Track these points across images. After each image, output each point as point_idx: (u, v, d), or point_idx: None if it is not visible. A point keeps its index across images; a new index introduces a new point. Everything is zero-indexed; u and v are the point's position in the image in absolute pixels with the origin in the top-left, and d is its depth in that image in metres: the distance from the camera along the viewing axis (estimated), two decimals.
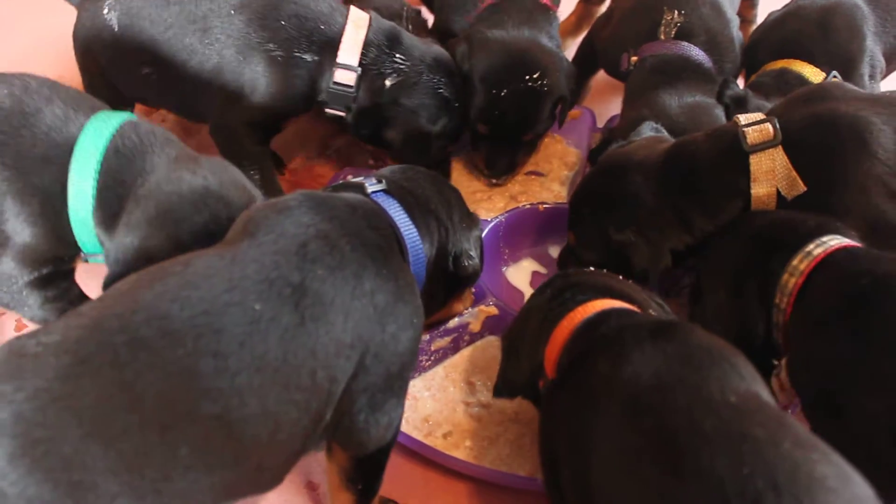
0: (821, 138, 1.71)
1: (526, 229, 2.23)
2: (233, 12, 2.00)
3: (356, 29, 2.10)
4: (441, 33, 2.52)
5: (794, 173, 1.70)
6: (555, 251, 2.22)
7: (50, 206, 1.57)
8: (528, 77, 2.24)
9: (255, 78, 2.01)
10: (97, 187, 1.57)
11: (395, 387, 1.44)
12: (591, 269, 1.70)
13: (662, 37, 2.26)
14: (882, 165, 1.66)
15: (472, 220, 1.77)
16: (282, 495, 1.71)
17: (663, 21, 2.26)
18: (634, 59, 2.27)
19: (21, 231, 1.57)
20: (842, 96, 1.78)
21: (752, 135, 1.73)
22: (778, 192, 1.73)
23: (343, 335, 1.31)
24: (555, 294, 1.56)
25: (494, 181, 2.35)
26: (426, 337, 1.92)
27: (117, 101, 2.14)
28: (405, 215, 1.56)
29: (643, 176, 1.84)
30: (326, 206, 1.44)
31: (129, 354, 1.15)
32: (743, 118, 1.78)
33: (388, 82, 2.13)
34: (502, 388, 1.67)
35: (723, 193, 1.78)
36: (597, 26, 2.59)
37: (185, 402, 1.16)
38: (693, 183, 1.81)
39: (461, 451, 1.76)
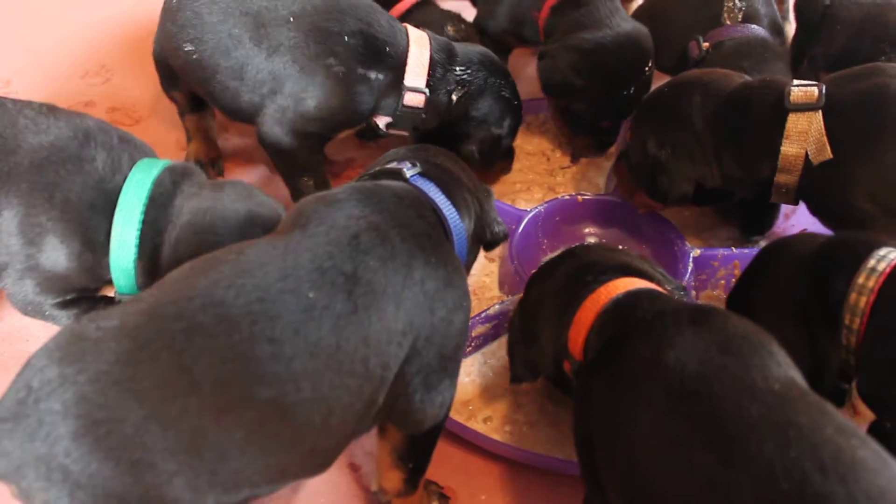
0: (863, 109, 1.72)
1: (565, 220, 2.21)
2: (291, 20, 1.97)
3: (420, 49, 2.07)
4: (483, 25, 2.51)
5: (824, 138, 1.71)
6: (592, 241, 2.20)
7: (90, 248, 1.61)
8: (648, 66, 2.26)
9: (314, 90, 1.98)
10: (140, 237, 1.60)
11: (449, 367, 1.45)
12: (598, 244, 1.68)
13: (728, 22, 2.29)
14: None
15: (488, 189, 1.78)
16: (325, 475, 1.70)
17: (726, 7, 2.30)
18: (706, 45, 2.27)
19: (56, 263, 1.60)
20: (890, 72, 1.77)
21: (796, 94, 1.77)
22: (805, 160, 1.75)
23: (395, 323, 1.32)
24: (571, 275, 1.55)
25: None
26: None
27: (176, 81, 2.22)
28: (444, 197, 1.57)
29: (701, 103, 1.90)
30: (375, 198, 1.44)
31: (187, 340, 1.17)
32: (797, 81, 1.80)
33: (454, 97, 2.12)
34: (522, 373, 1.68)
35: (756, 144, 1.82)
36: (643, 21, 2.58)
37: (240, 386, 1.17)
38: (736, 125, 1.85)
39: (501, 435, 1.77)
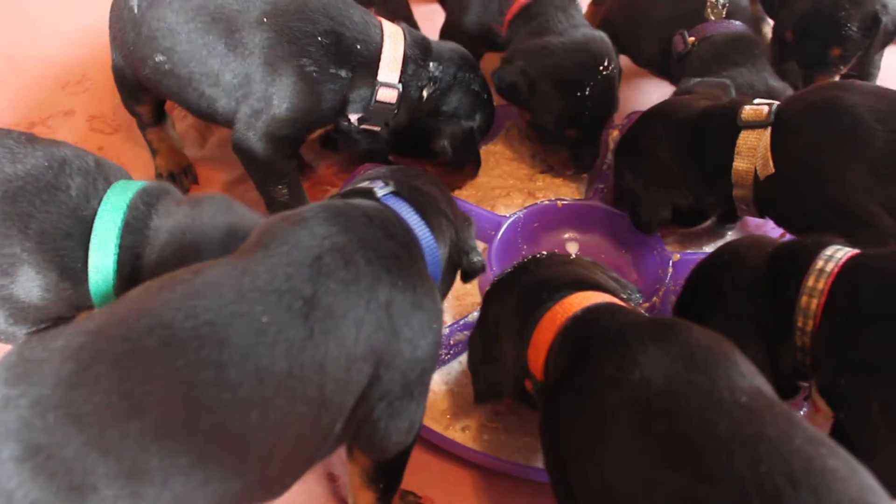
0: (808, 123, 1.78)
1: (544, 225, 2.20)
2: (265, 20, 1.93)
3: (394, 45, 2.04)
4: (452, 31, 2.50)
5: (768, 153, 1.78)
6: (573, 247, 2.19)
7: (67, 278, 1.56)
8: (601, 67, 2.21)
9: (286, 91, 1.95)
10: (118, 262, 1.56)
11: (415, 392, 1.40)
12: (550, 255, 1.69)
13: (713, 17, 2.33)
14: (862, 161, 1.71)
15: (468, 217, 1.73)
16: (303, 485, 1.68)
17: (709, 3, 2.33)
18: (692, 39, 2.30)
19: (30, 294, 1.56)
20: (848, 87, 1.83)
21: (747, 112, 1.85)
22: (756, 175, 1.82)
23: (355, 348, 1.27)
24: (525, 292, 1.54)
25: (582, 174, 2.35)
26: (446, 331, 1.92)
27: (140, 95, 2.18)
28: (418, 217, 1.52)
29: (664, 132, 1.98)
30: (342, 218, 1.39)
31: (130, 363, 1.13)
32: (758, 100, 1.87)
33: (425, 93, 2.10)
34: (485, 393, 1.66)
35: (715, 162, 1.89)
36: (617, 18, 2.58)
37: (184, 411, 1.13)
38: (698, 148, 1.92)
39: (479, 444, 1.75)
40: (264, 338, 1.19)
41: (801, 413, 1.72)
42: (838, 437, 1.46)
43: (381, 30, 2.06)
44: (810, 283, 1.48)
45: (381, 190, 1.56)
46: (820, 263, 1.49)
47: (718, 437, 1.10)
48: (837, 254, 1.49)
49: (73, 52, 2.55)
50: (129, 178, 1.68)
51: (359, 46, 2.00)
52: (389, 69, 2.04)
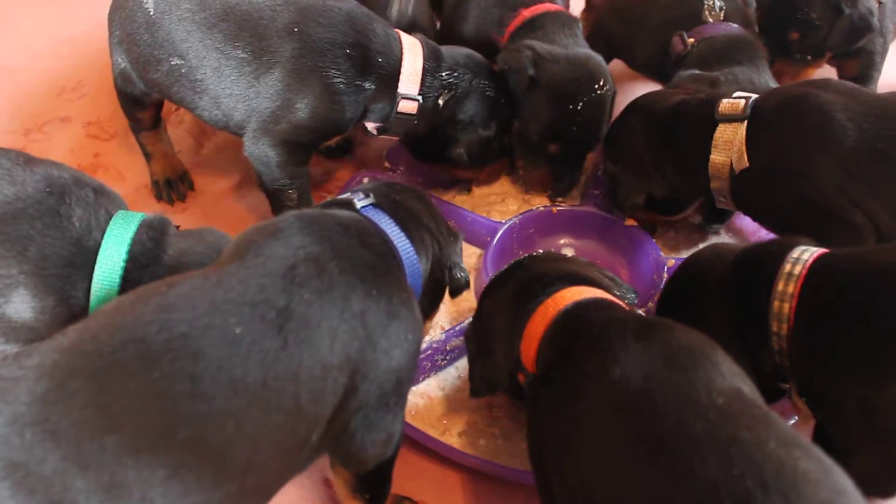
0: (781, 117, 1.82)
1: (540, 231, 2.21)
2: (295, 30, 1.94)
3: (413, 57, 2.07)
4: (448, 41, 2.46)
5: (743, 147, 1.81)
6: (569, 252, 2.19)
7: (65, 304, 1.56)
8: (597, 86, 2.20)
9: (310, 100, 1.97)
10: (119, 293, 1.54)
11: (391, 403, 1.39)
12: (546, 253, 1.71)
13: (711, 20, 2.36)
14: (832, 158, 1.74)
15: (455, 233, 1.73)
16: (300, 492, 1.71)
17: (706, 6, 2.37)
18: (691, 40, 2.32)
19: (22, 315, 1.54)
20: (823, 85, 1.86)
21: (725, 105, 1.87)
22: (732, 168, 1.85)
23: (330, 357, 1.26)
24: (520, 287, 1.55)
25: (559, 200, 2.31)
26: (442, 336, 1.93)
27: (144, 100, 2.19)
28: (398, 229, 1.52)
29: (638, 123, 2.05)
30: (317, 227, 1.39)
31: (105, 378, 1.13)
32: (737, 94, 1.90)
33: (441, 102, 2.11)
34: (480, 387, 1.67)
35: (692, 153, 1.92)
36: (609, 24, 2.61)
37: (160, 424, 1.12)
38: (673, 139, 1.96)
39: (476, 449, 1.74)
40: (238, 349, 1.19)
41: (793, 421, 1.71)
42: (820, 438, 1.51)
43: (401, 42, 2.08)
44: (780, 287, 1.49)
45: (360, 201, 1.55)
46: (788, 267, 1.50)
47: (694, 439, 1.10)
48: (804, 255, 1.51)
49: (69, 59, 2.55)
50: (125, 206, 1.68)
51: (381, 59, 2.03)
52: (410, 81, 2.07)
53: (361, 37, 2.00)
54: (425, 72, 2.09)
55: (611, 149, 2.16)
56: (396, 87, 2.06)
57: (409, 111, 2.09)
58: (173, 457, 1.13)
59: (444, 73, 2.12)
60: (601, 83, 2.19)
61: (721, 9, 2.37)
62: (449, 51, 2.18)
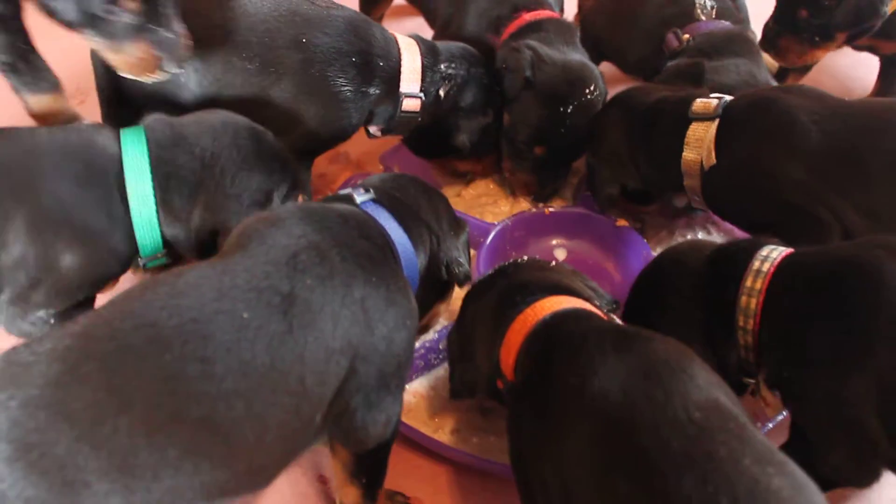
0: (747, 119, 1.88)
1: (532, 232, 2.25)
2: (303, 40, 1.97)
3: (411, 56, 2.13)
4: None
5: (712, 145, 1.88)
6: (561, 253, 2.25)
7: (107, 226, 1.64)
8: (587, 90, 2.23)
9: (317, 109, 2.01)
10: (155, 185, 1.65)
11: (392, 385, 1.45)
12: (529, 260, 1.74)
13: (703, 18, 2.40)
14: (796, 159, 1.78)
15: (459, 227, 1.77)
16: (295, 488, 1.75)
17: (698, 5, 2.41)
18: (686, 36, 2.36)
19: (68, 258, 1.62)
20: (792, 90, 1.92)
21: (698, 105, 1.95)
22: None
23: (332, 341, 1.32)
24: (501, 295, 1.58)
25: (541, 205, 2.33)
26: (434, 336, 1.96)
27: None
28: (396, 223, 1.57)
29: (617, 117, 2.11)
30: (318, 218, 1.45)
31: (117, 361, 1.18)
32: (713, 94, 1.96)
33: (441, 93, 2.17)
34: (460, 389, 1.70)
35: (666, 150, 1.99)
36: (599, 26, 2.64)
37: (171, 405, 1.18)
38: (649, 134, 2.03)
39: (469, 446, 1.78)
40: (246, 333, 1.25)
41: (769, 427, 1.75)
42: (796, 435, 1.55)
43: (398, 43, 2.14)
44: (748, 283, 1.54)
45: (360, 196, 1.61)
46: (756, 264, 1.55)
47: (670, 455, 1.12)
48: (772, 254, 1.56)
49: (69, 66, 2.58)
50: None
51: (382, 63, 2.09)
52: (411, 80, 2.13)
53: (364, 44, 2.06)
54: (424, 68, 2.15)
55: (592, 141, 2.22)
56: (398, 87, 2.11)
57: (412, 109, 2.15)
58: (185, 437, 1.18)
59: (442, 66, 2.18)
60: (592, 88, 2.23)
61: (713, 7, 2.43)
62: (444, 45, 2.26)
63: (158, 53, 1.78)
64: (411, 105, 2.15)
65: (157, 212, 1.66)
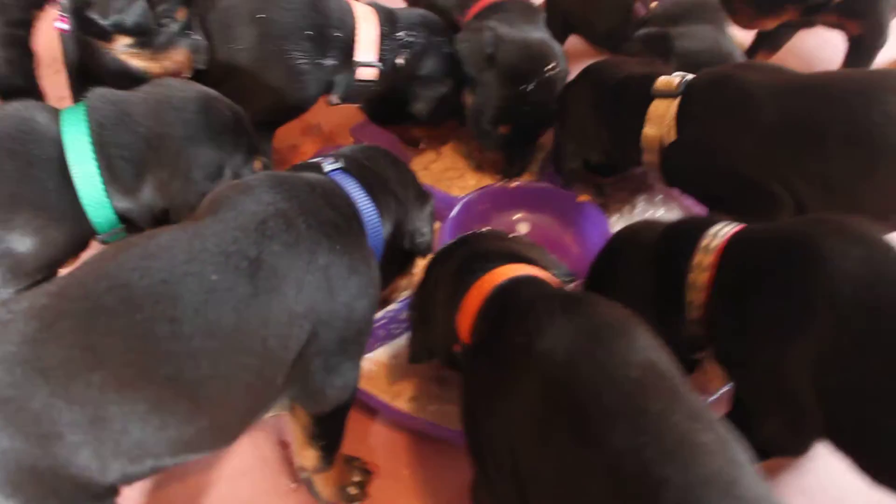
0: (706, 96, 1.92)
1: (496, 206, 2.29)
2: (257, 16, 2.00)
3: (368, 25, 2.14)
4: None
5: (672, 122, 1.92)
6: (524, 227, 2.29)
7: (54, 208, 1.63)
8: (548, 67, 2.25)
9: (276, 83, 2.04)
10: (100, 164, 1.63)
11: (350, 350, 1.51)
12: (490, 231, 1.80)
13: None
14: (751, 134, 1.82)
15: (425, 198, 1.81)
16: (257, 451, 1.81)
17: None
18: (654, 4, 2.38)
19: (22, 242, 1.62)
20: (750, 66, 2.00)
21: (660, 82, 1.98)
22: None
23: (296, 305, 1.37)
24: (461, 262, 1.62)
25: (513, 181, 2.36)
26: (396, 306, 2.00)
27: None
28: (363, 193, 1.61)
29: (584, 90, 2.14)
30: (286, 186, 1.49)
31: (91, 319, 1.23)
32: (676, 73, 1.99)
33: (399, 61, 2.19)
34: (418, 354, 1.76)
35: (627, 124, 2.02)
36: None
37: (141, 362, 1.23)
38: (614, 109, 2.06)
39: (426, 414, 1.84)
40: (214, 295, 1.30)
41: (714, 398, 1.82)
42: (735, 402, 1.62)
43: (353, 13, 2.15)
44: (697, 259, 1.57)
45: (328, 165, 1.66)
46: (706, 241, 1.58)
47: (607, 409, 1.19)
48: (721, 231, 1.59)
49: (45, 37, 2.58)
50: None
51: (337, 34, 2.10)
52: (367, 49, 2.14)
53: (319, 16, 2.08)
54: (382, 36, 2.17)
55: (558, 113, 2.25)
56: (353, 56, 2.14)
57: (368, 77, 2.18)
58: (153, 392, 1.24)
59: (400, 34, 2.20)
60: (553, 65, 2.26)
61: None
62: (404, 12, 2.28)
63: (195, 56, 1.87)
64: (368, 74, 2.16)
65: (105, 190, 1.65)
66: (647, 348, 1.31)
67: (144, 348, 1.24)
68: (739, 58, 2.28)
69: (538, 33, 2.34)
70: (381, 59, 2.17)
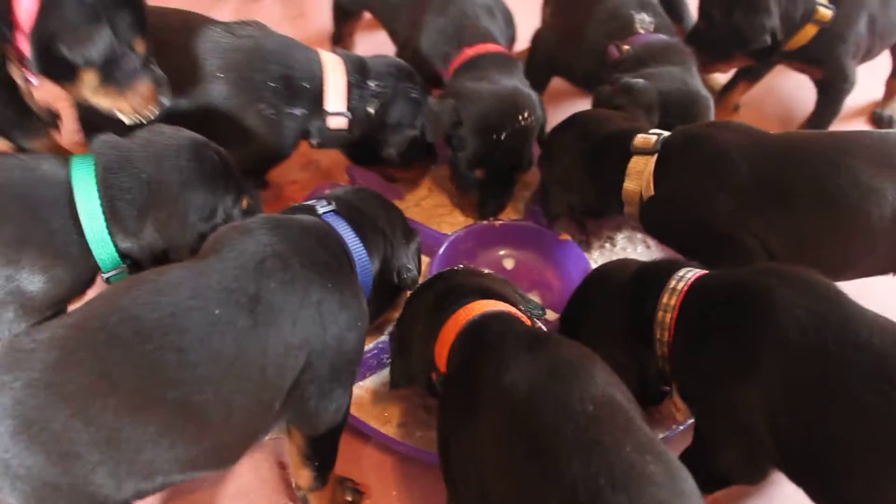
0: (682, 154, 2.02)
1: (482, 243, 2.42)
2: (220, 75, 2.11)
3: (335, 76, 2.24)
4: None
5: (650, 178, 2.03)
6: (509, 263, 2.41)
7: (63, 246, 1.73)
8: (520, 117, 2.35)
9: (251, 134, 2.14)
10: (104, 205, 1.73)
11: (342, 378, 1.64)
12: (465, 268, 1.91)
13: (642, 31, 2.54)
14: (727, 191, 1.93)
15: (411, 235, 1.95)
16: (256, 472, 1.93)
17: (637, 20, 2.55)
18: (626, 47, 2.49)
19: (31, 280, 1.71)
20: (723, 126, 2.07)
21: (639, 140, 2.09)
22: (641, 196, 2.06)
23: (291, 337, 1.51)
24: (439, 296, 1.74)
25: (497, 220, 2.46)
26: (385, 338, 2.10)
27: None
28: (353, 234, 1.75)
29: (571, 141, 2.24)
30: (283, 229, 1.63)
31: (107, 349, 1.37)
32: (653, 131, 2.10)
33: (370, 110, 2.28)
34: (399, 380, 1.87)
35: (609, 178, 2.14)
36: (550, 44, 2.77)
37: (152, 388, 1.37)
38: (597, 162, 2.17)
39: (413, 440, 1.95)
40: (217, 327, 1.44)
41: (672, 434, 1.93)
42: (696, 434, 1.72)
43: (322, 64, 2.25)
44: (664, 300, 1.71)
45: (322, 208, 1.81)
46: (673, 283, 1.71)
47: (563, 440, 1.28)
48: (687, 274, 1.72)
49: None
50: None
51: (304, 84, 2.21)
52: (335, 99, 2.25)
53: (284, 68, 2.19)
54: (350, 86, 2.27)
55: (545, 160, 2.36)
56: (323, 106, 2.25)
57: (340, 126, 2.28)
58: (163, 415, 1.39)
59: (371, 83, 2.30)
60: (525, 115, 2.38)
61: (651, 22, 2.57)
62: (373, 61, 2.37)
63: (159, 90, 1.93)
64: (338, 123, 2.26)
65: (109, 230, 1.75)
66: (605, 384, 1.41)
67: (154, 375, 1.39)
68: (706, 96, 2.39)
69: (512, 84, 2.43)
70: (350, 108, 2.26)
